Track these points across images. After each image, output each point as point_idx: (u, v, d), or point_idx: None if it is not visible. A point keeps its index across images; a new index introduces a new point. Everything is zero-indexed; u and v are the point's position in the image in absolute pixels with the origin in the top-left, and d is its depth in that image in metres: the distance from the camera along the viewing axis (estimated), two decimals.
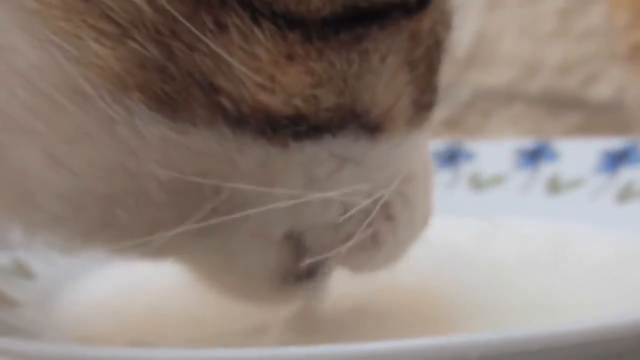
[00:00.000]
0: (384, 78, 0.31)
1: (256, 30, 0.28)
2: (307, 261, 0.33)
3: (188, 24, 0.27)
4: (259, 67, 0.28)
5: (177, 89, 0.28)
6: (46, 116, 0.28)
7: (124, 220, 0.30)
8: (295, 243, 0.33)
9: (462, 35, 0.75)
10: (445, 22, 0.33)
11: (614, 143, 0.56)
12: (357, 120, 0.31)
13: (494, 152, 0.59)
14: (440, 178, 0.57)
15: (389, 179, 0.33)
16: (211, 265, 0.34)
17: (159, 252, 0.32)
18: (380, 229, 0.34)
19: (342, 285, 0.37)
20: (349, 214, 0.32)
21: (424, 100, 0.33)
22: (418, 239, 0.36)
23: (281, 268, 0.34)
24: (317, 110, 0.29)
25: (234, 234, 0.32)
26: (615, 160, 0.55)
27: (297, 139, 0.30)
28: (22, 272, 0.45)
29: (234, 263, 0.34)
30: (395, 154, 0.32)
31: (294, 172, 0.31)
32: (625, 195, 0.53)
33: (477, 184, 0.58)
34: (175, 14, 0.27)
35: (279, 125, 0.29)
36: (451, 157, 0.59)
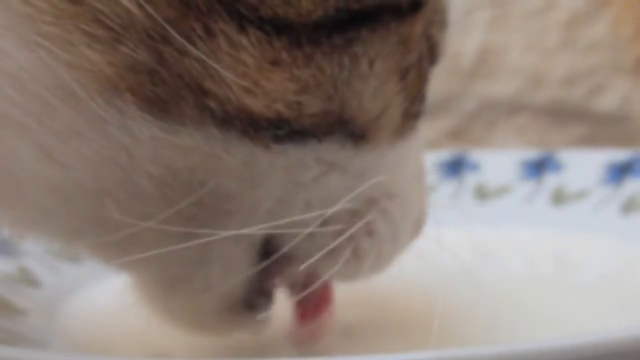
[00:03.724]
0: (371, 85, 0.31)
1: (242, 37, 0.28)
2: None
3: (174, 33, 0.27)
4: (245, 72, 0.28)
5: (167, 92, 0.28)
6: (37, 114, 0.28)
7: (112, 214, 0.30)
8: (265, 269, 0.33)
9: (468, 46, 0.76)
10: (439, 21, 0.33)
11: (619, 155, 0.56)
12: (345, 127, 0.31)
13: (499, 162, 0.59)
14: (445, 188, 0.57)
15: (373, 189, 0.33)
16: (170, 279, 0.34)
17: (136, 251, 0.31)
18: (361, 244, 0.33)
19: (345, 299, 0.38)
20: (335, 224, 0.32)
21: (412, 110, 0.33)
22: (404, 250, 0.36)
23: (237, 290, 0.34)
24: (300, 115, 0.30)
25: (217, 233, 0.31)
26: (620, 171, 0.55)
27: (278, 141, 0.30)
28: (28, 280, 0.45)
29: (196, 275, 0.33)
30: (381, 163, 0.32)
31: (278, 173, 0.31)
32: (629, 206, 0.53)
33: (482, 194, 0.58)
34: (163, 23, 0.27)
35: (259, 127, 0.29)
36: (456, 168, 0.59)
